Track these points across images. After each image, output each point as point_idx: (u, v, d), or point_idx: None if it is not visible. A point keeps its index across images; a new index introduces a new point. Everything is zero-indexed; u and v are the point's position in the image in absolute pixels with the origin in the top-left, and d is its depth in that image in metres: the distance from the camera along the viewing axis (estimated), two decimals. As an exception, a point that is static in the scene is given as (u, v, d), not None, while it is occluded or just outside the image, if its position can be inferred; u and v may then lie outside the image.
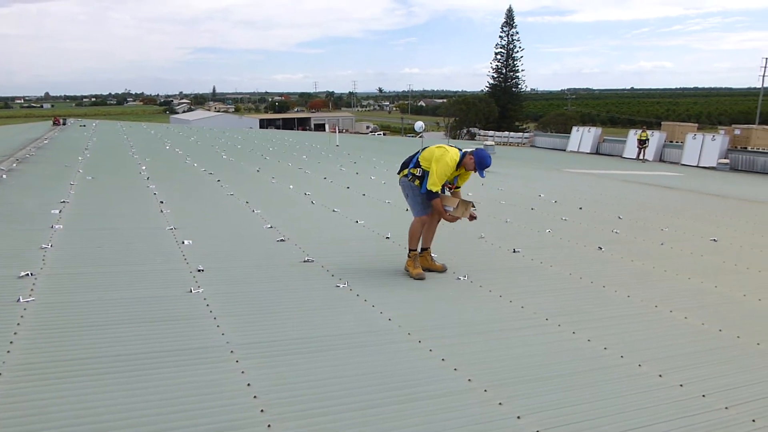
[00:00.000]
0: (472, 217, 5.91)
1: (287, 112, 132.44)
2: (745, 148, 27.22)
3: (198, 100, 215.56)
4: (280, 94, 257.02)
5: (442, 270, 6.09)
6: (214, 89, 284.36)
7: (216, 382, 3.50)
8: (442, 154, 5.61)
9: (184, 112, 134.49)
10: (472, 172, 5.78)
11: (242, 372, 3.63)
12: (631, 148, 30.80)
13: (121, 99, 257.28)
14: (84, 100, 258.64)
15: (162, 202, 9.06)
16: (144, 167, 13.71)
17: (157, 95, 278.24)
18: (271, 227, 7.75)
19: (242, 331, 4.27)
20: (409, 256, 5.92)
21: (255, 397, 3.33)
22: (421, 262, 5.99)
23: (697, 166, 26.99)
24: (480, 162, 5.62)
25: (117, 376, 3.49)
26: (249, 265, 6.04)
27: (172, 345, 3.98)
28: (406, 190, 5.96)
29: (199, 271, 5.62)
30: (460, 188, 6.07)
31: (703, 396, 3.63)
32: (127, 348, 3.88)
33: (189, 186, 11.48)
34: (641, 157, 28.98)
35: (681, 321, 5.00)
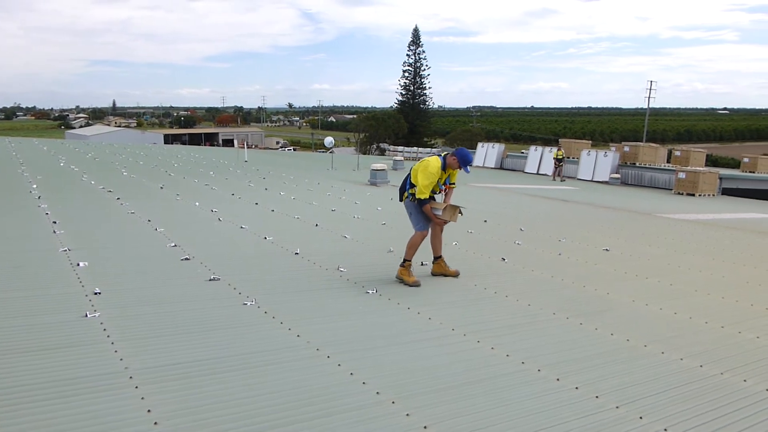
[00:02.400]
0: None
1: (194, 127, 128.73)
2: (634, 163, 29.31)
3: (97, 115, 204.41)
4: (186, 109, 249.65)
5: (456, 275, 6.67)
6: (114, 103, 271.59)
7: (114, 411, 3.32)
8: (425, 166, 6.19)
9: (81, 126, 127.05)
10: (457, 169, 6.33)
11: (142, 398, 3.47)
12: (532, 163, 32.33)
13: (10, 113, 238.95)
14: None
15: (55, 222, 8.54)
16: (35, 185, 12.86)
17: (51, 109, 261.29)
18: (175, 246, 7.48)
19: (142, 355, 4.09)
20: (403, 266, 6.37)
21: (156, 423, 3.19)
22: (436, 269, 6.70)
23: (591, 181, 28.75)
24: (463, 159, 6.21)
25: (6, 409, 3.24)
26: (150, 285, 5.80)
27: (67, 374, 3.74)
28: (410, 209, 6.49)
29: (95, 294, 5.34)
30: (455, 184, 6.58)
31: (597, 397, 3.85)
32: (18, 379, 3.61)
33: (85, 205, 10.87)
34: (558, 175, 28.14)
35: (577, 327, 5.28)
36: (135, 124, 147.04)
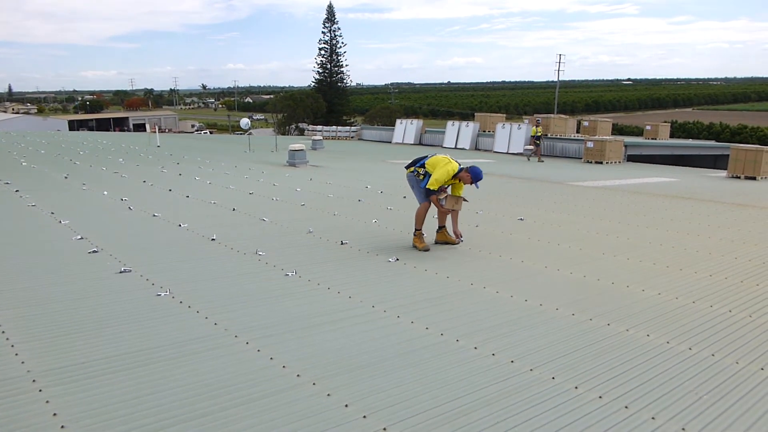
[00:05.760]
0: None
1: (101, 112, 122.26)
2: (546, 135, 30.33)
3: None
4: (92, 93, 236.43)
5: (456, 242, 7.35)
6: (9, 88, 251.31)
7: (17, 417, 3.12)
8: (446, 164, 6.90)
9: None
10: (467, 184, 7.05)
11: (47, 402, 3.27)
12: (450, 138, 32.83)
13: None
14: None
15: (-56, 220, 7.89)
16: None
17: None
18: (82, 238, 7.10)
19: (45, 356, 3.86)
20: (415, 235, 7.18)
21: (63, 427, 3.03)
22: (440, 237, 7.40)
23: (507, 153, 29.55)
24: (475, 176, 6.91)
25: None
26: (53, 282, 5.47)
27: (-41, 382, 3.48)
28: (412, 182, 7.31)
29: (-8, 294, 4.98)
30: (460, 196, 7.17)
31: (512, 362, 3.99)
32: None
33: (-20, 199, 10.11)
34: (540, 155, 25.11)
35: (493, 295, 5.44)
36: (35, 110, 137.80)
